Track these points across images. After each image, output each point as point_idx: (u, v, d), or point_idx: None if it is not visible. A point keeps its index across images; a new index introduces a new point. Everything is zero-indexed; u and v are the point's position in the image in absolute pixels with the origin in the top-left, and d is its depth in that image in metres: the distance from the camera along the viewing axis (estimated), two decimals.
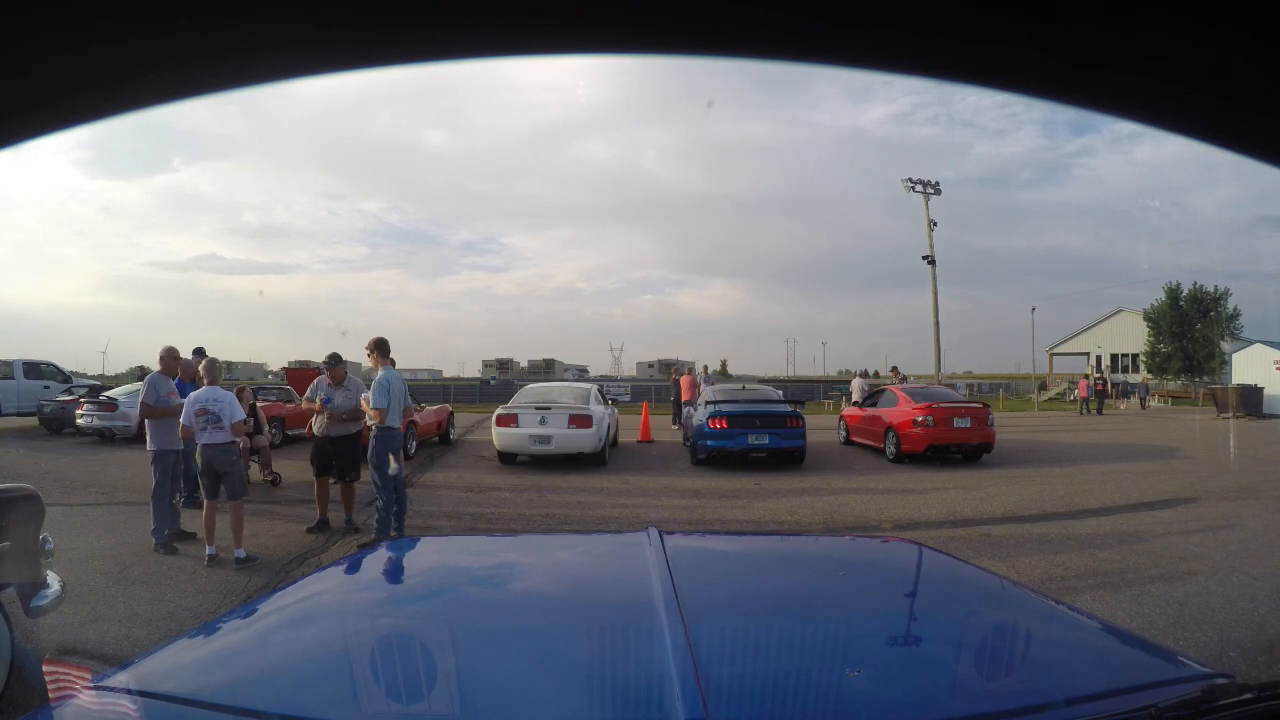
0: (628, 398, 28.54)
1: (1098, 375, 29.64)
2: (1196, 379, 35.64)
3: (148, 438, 6.29)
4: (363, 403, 6.39)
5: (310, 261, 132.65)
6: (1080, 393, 27.78)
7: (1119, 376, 41.14)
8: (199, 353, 7.39)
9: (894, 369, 18.48)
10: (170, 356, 6.69)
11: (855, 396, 17.02)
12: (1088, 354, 46.33)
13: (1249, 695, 0.95)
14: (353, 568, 1.88)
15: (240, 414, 5.98)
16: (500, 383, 44.29)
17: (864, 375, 19.22)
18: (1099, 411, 25.93)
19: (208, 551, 5.63)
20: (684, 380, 16.20)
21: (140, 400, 6.39)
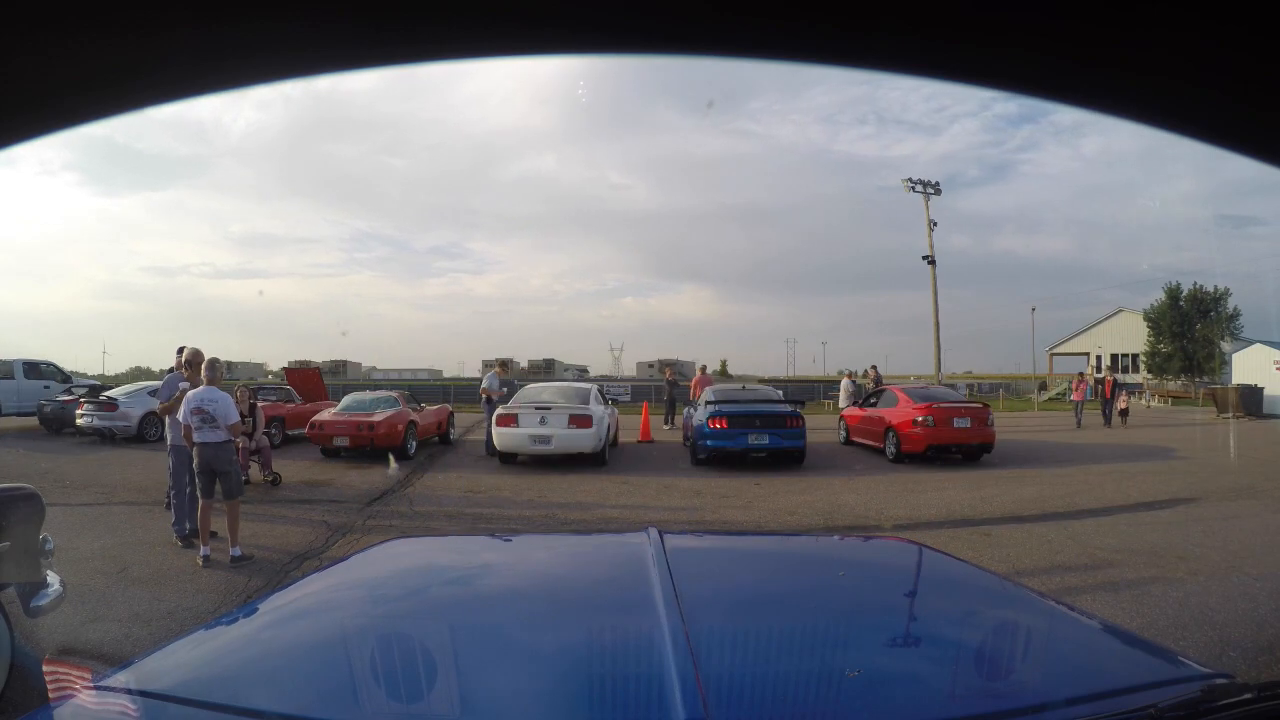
0: (628, 398, 28.49)
1: (1099, 375, 22.14)
2: (1196, 379, 35.63)
3: (167, 435, 6.41)
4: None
5: (295, 267, 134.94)
6: (1076, 394, 20.43)
7: (1118, 375, 41.09)
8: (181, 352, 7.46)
9: (873, 368, 18.38)
10: (194, 359, 6.73)
11: (844, 399, 16.99)
12: (1087, 354, 46.35)
13: (1249, 695, 0.95)
14: (353, 568, 1.88)
15: (235, 415, 5.95)
16: (501, 383, 44.21)
17: (851, 375, 19.19)
18: (1111, 419, 19.11)
19: (202, 552, 5.64)
20: (695, 379, 16.05)
21: (160, 403, 6.49)
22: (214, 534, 6.13)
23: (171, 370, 6.80)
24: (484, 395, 12.49)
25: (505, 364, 13.42)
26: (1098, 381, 21.21)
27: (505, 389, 12.59)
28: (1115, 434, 17.16)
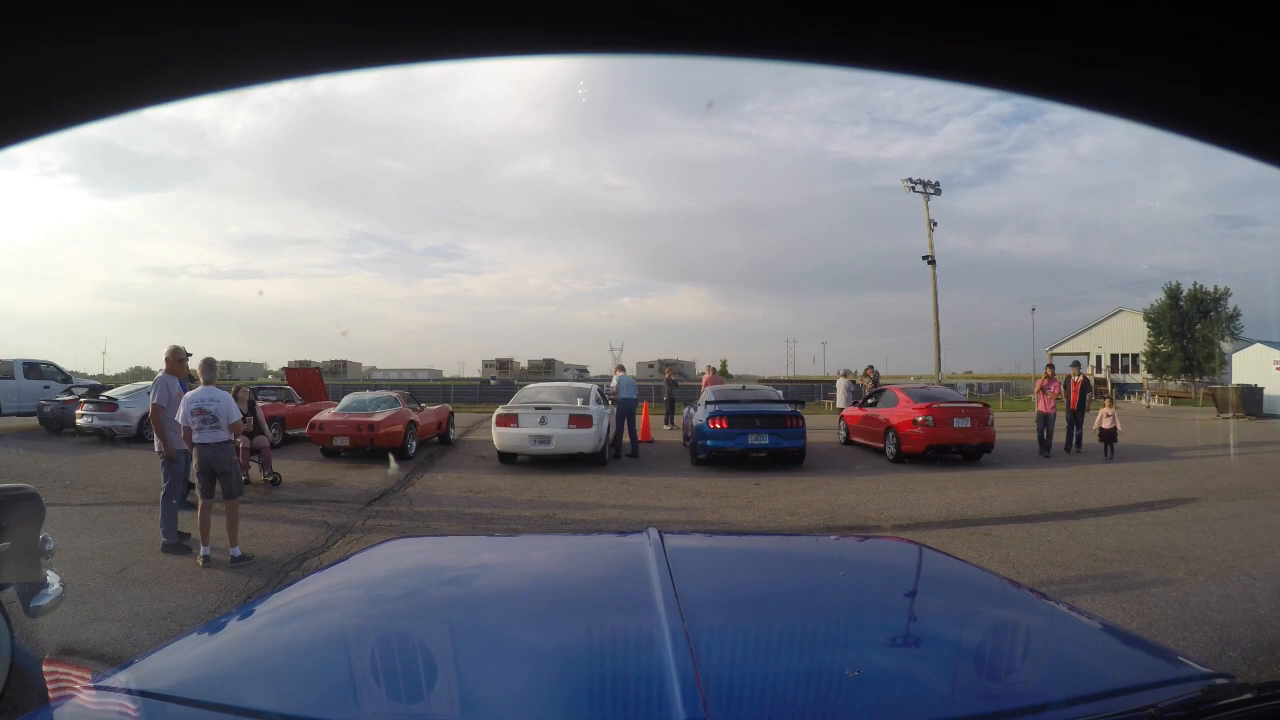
0: None
1: (1081, 375, 13.28)
2: (1196, 379, 35.61)
3: (156, 439, 6.30)
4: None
5: (293, 267, 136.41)
6: (1041, 404, 12.70)
7: (1119, 376, 41.03)
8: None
9: (870, 368, 18.28)
10: (175, 356, 6.67)
11: (841, 399, 16.92)
12: (1087, 354, 46.33)
13: (1249, 695, 0.95)
14: (352, 568, 1.88)
15: (237, 414, 5.96)
16: (500, 383, 44.39)
17: (850, 375, 19.05)
18: (1079, 441, 12.67)
19: (202, 552, 5.64)
20: (705, 379, 16.05)
21: (152, 402, 6.37)
22: (185, 534, 6.11)
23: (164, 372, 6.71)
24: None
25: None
26: (1096, 382, 14.16)
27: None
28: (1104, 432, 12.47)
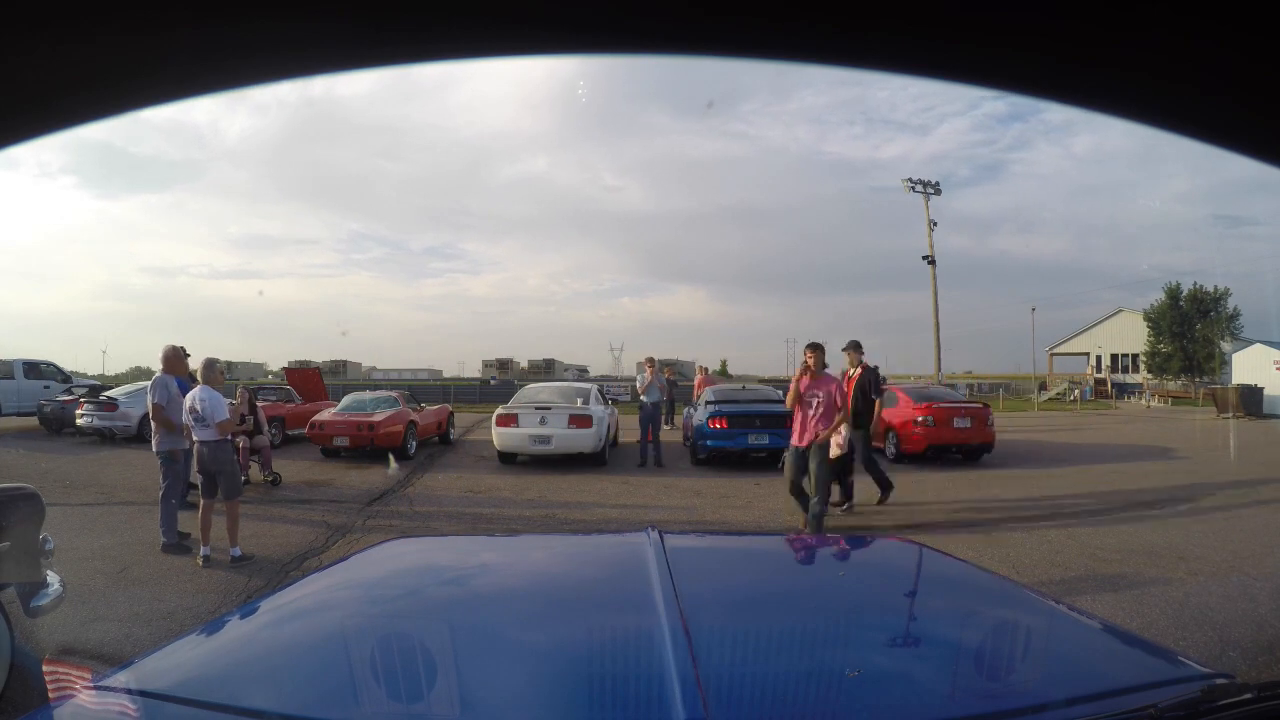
0: (627, 397, 28.48)
1: (862, 363, 7.68)
2: (1196, 379, 35.64)
3: (155, 439, 6.29)
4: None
5: (293, 268, 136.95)
6: (797, 428, 6.24)
7: (1119, 376, 41.04)
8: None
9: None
10: (174, 355, 6.66)
11: None
12: (1087, 354, 46.37)
13: (1249, 695, 0.95)
14: (353, 568, 1.88)
15: (223, 413, 5.86)
16: (500, 383, 44.44)
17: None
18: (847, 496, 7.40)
19: (202, 552, 5.64)
20: (698, 380, 16.05)
21: (152, 402, 6.35)
22: (185, 534, 6.12)
23: (161, 371, 6.71)
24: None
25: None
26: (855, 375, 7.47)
27: None
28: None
